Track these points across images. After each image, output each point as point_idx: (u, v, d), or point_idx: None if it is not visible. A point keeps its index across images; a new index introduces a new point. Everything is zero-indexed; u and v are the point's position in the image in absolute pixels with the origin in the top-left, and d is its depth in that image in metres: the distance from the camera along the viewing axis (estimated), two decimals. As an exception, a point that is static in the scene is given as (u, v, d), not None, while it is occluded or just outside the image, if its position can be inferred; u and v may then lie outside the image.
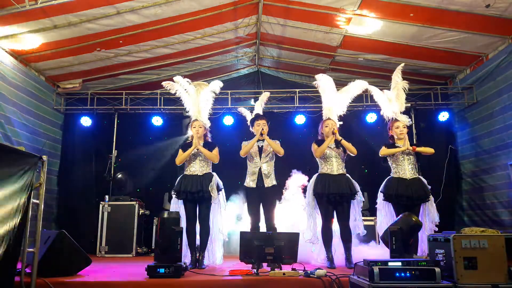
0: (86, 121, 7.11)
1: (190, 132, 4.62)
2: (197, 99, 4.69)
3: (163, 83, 4.85)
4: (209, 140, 4.73)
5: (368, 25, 5.69)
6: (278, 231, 4.51)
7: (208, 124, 4.72)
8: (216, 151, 4.54)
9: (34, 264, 3.22)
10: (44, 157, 3.30)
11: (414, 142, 6.49)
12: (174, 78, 4.80)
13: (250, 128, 4.84)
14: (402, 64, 4.92)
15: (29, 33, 5.28)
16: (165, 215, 3.83)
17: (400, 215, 3.91)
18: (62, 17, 5.12)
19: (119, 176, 6.87)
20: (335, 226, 4.52)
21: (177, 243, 3.67)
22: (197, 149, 4.48)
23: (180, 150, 4.56)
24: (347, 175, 4.56)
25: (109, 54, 6.23)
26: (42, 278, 3.26)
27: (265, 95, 5.24)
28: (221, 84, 4.91)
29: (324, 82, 4.83)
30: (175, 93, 4.80)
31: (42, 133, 6.50)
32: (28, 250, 3.17)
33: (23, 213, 3.01)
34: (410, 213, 3.86)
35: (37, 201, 3.32)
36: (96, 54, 6.16)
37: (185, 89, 4.76)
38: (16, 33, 5.25)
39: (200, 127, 4.58)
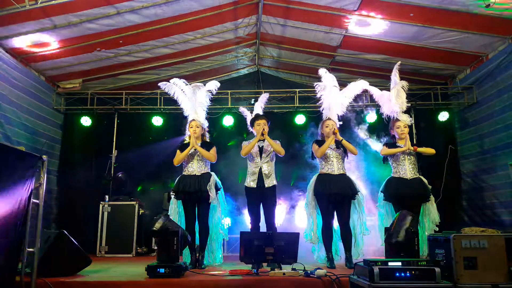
0: (86, 121, 7.11)
1: (188, 132, 4.62)
2: (194, 99, 4.69)
3: (160, 84, 4.85)
4: (207, 139, 4.74)
5: (368, 25, 5.69)
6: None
7: (205, 124, 4.72)
8: (213, 150, 4.54)
9: (34, 264, 3.22)
10: (44, 157, 3.30)
11: (414, 142, 6.49)
12: (171, 80, 4.81)
13: (250, 128, 4.84)
14: (399, 63, 4.90)
15: (29, 33, 5.28)
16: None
17: (397, 215, 3.87)
18: (62, 17, 5.12)
19: (119, 176, 6.88)
20: (335, 226, 4.52)
21: (173, 243, 3.65)
22: (195, 149, 4.48)
23: (178, 151, 4.56)
24: (347, 175, 4.56)
25: (109, 54, 6.23)
26: (42, 278, 3.25)
27: (264, 96, 5.25)
28: (218, 84, 4.90)
29: (326, 79, 4.81)
30: (173, 94, 4.80)
31: (42, 133, 6.50)
32: (28, 250, 3.17)
33: (23, 213, 3.01)
34: (407, 214, 3.81)
35: (37, 201, 3.31)
36: (96, 54, 6.16)
37: (182, 90, 4.76)
38: (16, 33, 5.24)
39: (198, 127, 4.58)
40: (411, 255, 3.37)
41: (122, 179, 6.87)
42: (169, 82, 4.81)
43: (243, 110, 5.37)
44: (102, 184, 7.02)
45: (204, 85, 4.82)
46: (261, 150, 4.61)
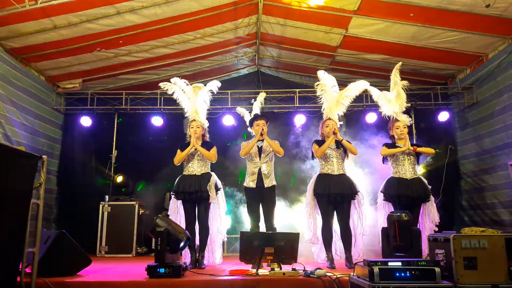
0: (86, 121, 7.11)
1: (188, 133, 4.63)
2: (195, 99, 4.69)
3: (160, 84, 4.85)
4: (207, 140, 4.74)
5: (368, 25, 5.69)
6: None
7: (206, 124, 4.72)
8: (214, 150, 4.55)
9: (34, 264, 3.22)
10: (44, 157, 3.30)
11: (414, 142, 6.48)
12: (172, 80, 4.80)
13: (249, 129, 4.84)
14: (400, 63, 4.92)
15: (29, 33, 5.27)
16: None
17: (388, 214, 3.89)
18: (62, 17, 5.12)
19: (119, 176, 6.87)
20: (335, 226, 4.52)
21: (157, 243, 3.62)
22: (195, 149, 4.49)
23: (178, 150, 4.57)
24: (347, 175, 4.56)
25: (109, 54, 6.23)
26: (42, 278, 3.26)
27: (261, 96, 5.24)
28: (219, 84, 4.90)
29: (326, 80, 4.82)
30: (173, 94, 4.80)
31: (42, 133, 6.49)
32: (28, 250, 3.17)
33: (23, 213, 3.01)
34: (400, 213, 3.81)
35: (37, 201, 3.31)
36: (96, 54, 6.15)
37: (183, 90, 4.76)
38: (16, 33, 5.24)
39: (198, 127, 4.59)
40: (415, 254, 3.38)
41: (122, 179, 6.87)
42: (169, 82, 4.81)
43: (240, 110, 5.36)
44: (102, 184, 7.02)
45: (205, 85, 4.83)
46: (260, 150, 4.62)
